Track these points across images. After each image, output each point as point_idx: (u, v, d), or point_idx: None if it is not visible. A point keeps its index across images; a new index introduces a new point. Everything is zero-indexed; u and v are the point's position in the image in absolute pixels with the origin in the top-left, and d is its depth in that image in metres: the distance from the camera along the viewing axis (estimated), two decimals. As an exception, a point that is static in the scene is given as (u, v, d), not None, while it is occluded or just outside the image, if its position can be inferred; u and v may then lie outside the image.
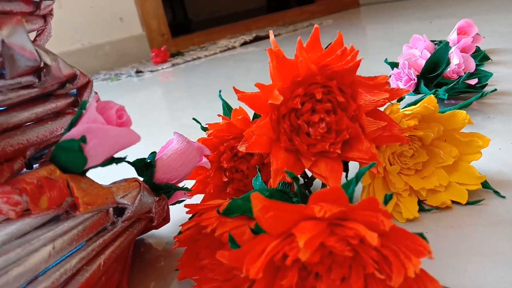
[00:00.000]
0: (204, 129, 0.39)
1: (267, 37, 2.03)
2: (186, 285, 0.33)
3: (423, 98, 0.34)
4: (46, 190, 0.22)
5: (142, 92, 1.35)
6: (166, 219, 0.36)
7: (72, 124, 0.23)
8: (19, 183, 0.21)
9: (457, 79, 0.51)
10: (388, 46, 1.18)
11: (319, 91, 0.29)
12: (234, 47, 1.90)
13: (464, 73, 0.53)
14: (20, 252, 0.24)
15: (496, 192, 0.34)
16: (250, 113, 0.38)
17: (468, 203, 0.34)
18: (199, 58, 1.80)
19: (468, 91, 0.54)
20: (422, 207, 0.34)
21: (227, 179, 0.37)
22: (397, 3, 2.28)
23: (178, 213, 0.43)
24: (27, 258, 0.24)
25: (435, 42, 0.83)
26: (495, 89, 0.49)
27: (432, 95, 0.32)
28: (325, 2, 2.69)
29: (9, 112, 0.26)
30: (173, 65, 1.74)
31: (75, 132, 0.22)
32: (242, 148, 0.31)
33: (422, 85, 0.50)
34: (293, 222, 0.21)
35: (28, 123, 0.27)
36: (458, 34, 0.77)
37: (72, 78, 0.27)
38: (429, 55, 0.59)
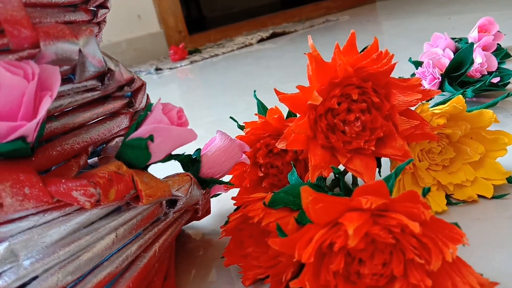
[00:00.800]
0: (241, 127, 0.41)
1: (284, 33, 2.04)
2: (224, 272, 0.36)
3: (451, 98, 0.36)
4: (114, 183, 0.25)
5: (162, 89, 1.38)
6: (208, 211, 0.38)
7: (138, 124, 0.25)
8: (93, 177, 0.24)
9: (480, 77, 0.52)
10: (406, 43, 1.19)
11: (355, 92, 0.31)
12: (251, 44, 1.92)
13: (487, 72, 0.54)
14: (89, 239, 0.26)
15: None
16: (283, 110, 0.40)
17: (493, 197, 0.36)
18: (217, 55, 1.82)
19: (490, 89, 0.55)
20: (450, 200, 0.36)
21: (262, 174, 0.40)
22: (414, -2, 2.27)
23: (213, 205, 0.45)
24: (94, 245, 0.27)
25: (456, 40, 0.84)
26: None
27: (460, 95, 0.34)
28: (341, -2, 2.69)
29: (74, 113, 0.28)
30: (191, 62, 1.77)
31: (142, 131, 0.24)
32: (281, 145, 0.33)
33: (446, 84, 0.51)
34: (339, 213, 0.24)
35: (90, 123, 0.30)
36: (479, 32, 0.78)
37: (130, 81, 0.29)
38: (451, 53, 0.61)
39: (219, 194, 0.43)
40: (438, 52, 0.63)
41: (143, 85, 0.31)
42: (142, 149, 0.25)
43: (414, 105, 0.31)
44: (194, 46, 2.17)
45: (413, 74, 0.59)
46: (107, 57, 0.27)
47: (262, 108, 0.42)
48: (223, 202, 0.47)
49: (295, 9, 2.62)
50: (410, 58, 0.61)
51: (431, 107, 0.37)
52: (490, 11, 1.35)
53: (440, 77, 0.52)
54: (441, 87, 0.53)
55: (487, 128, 0.36)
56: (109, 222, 0.27)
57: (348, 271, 0.24)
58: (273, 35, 2.04)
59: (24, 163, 0.23)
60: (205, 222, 0.43)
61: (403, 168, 0.25)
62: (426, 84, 0.53)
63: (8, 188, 0.22)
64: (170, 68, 1.73)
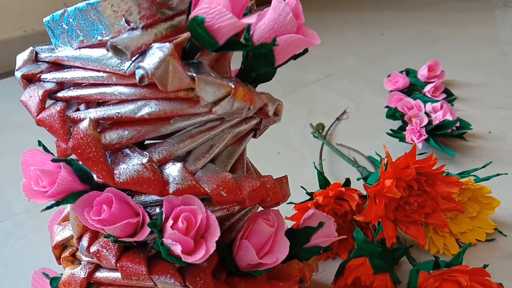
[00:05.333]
0: (309, 194, 0.54)
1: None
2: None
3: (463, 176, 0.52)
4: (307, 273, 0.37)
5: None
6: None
7: (311, 236, 0.37)
8: (294, 277, 0.36)
9: (451, 132, 0.70)
10: (334, 54, 1.33)
11: (415, 184, 0.46)
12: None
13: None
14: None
15: (501, 233, 0.54)
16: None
17: (486, 240, 0.53)
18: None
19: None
20: (459, 243, 0.53)
21: (328, 230, 0.53)
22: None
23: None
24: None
25: (403, 71, 1.03)
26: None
27: (471, 178, 0.51)
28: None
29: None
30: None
31: (318, 242, 0.37)
32: (360, 218, 0.47)
33: (431, 140, 0.69)
34: (439, 283, 0.39)
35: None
36: (428, 71, 0.97)
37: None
38: (422, 104, 0.78)
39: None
40: (411, 102, 0.80)
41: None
42: (317, 252, 0.37)
43: (453, 194, 0.47)
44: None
45: (404, 128, 0.76)
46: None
47: (322, 178, 0.55)
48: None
49: None
50: (399, 113, 0.78)
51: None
52: (422, 23, 1.52)
53: (426, 135, 0.69)
54: (426, 141, 0.70)
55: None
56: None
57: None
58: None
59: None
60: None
61: (468, 247, 0.41)
62: (415, 139, 0.70)
63: (258, 296, 0.33)
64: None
